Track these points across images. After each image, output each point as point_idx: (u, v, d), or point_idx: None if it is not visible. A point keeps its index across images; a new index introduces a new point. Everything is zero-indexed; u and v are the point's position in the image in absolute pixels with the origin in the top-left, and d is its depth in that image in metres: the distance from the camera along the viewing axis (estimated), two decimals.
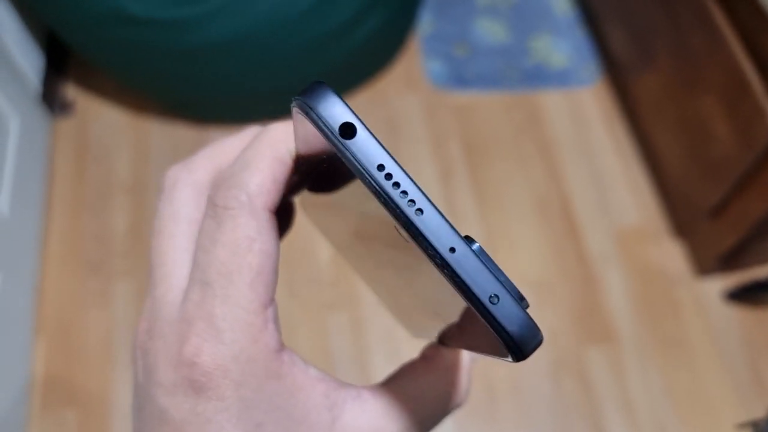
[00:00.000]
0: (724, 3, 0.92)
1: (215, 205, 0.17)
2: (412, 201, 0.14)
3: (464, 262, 0.14)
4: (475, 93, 1.31)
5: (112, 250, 1.14)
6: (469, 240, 0.15)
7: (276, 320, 0.18)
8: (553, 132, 1.26)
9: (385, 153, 0.14)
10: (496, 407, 1.01)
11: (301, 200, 0.23)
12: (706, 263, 1.09)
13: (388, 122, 1.27)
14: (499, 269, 0.15)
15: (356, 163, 0.14)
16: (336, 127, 0.14)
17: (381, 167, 0.14)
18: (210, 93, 1.19)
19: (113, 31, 1.02)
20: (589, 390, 1.02)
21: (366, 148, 0.14)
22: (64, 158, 1.24)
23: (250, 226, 0.17)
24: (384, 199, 0.14)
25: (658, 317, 1.08)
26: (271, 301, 0.17)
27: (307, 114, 0.15)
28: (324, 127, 0.15)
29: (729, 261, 1.05)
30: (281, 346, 0.18)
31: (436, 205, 0.14)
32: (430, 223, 0.14)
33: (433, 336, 0.21)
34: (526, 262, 1.13)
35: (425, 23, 1.39)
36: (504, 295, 0.14)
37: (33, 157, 1.17)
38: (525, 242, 1.14)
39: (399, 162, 0.15)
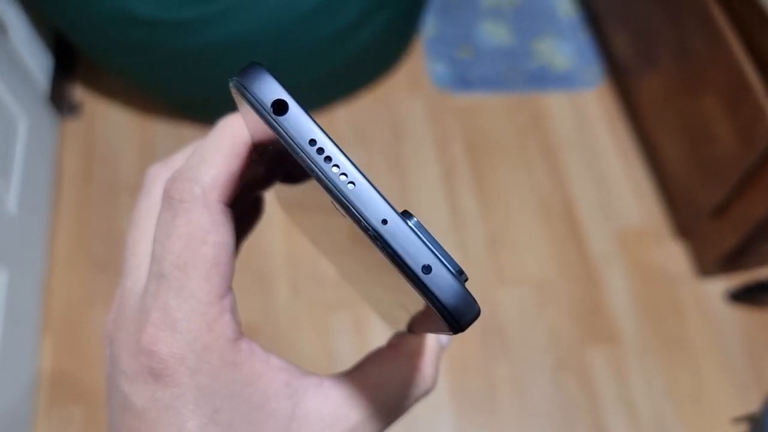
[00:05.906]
0: (725, 4, 0.93)
1: (171, 197, 0.17)
2: (344, 174, 0.14)
3: (396, 232, 0.14)
4: (478, 95, 1.32)
5: (119, 248, 1.15)
6: (406, 215, 0.15)
7: (234, 310, 0.18)
8: (556, 134, 1.27)
9: (316, 128, 0.14)
10: (498, 406, 1.01)
11: (276, 193, 0.23)
12: (708, 264, 1.09)
13: (392, 124, 1.28)
14: (436, 242, 0.15)
15: (288, 139, 0.14)
16: (268, 103, 0.15)
17: (312, 142, 0.14)
18: (216, 94, 1.19)
19: (119, 32, 1.03)
20: (591, 390, 1.02)
21: (298, 123, 0.14)
22: (71, 158, 1.25)
23: (204, 219, 0.17)
24: (316, 173, 0.14)
25: (661, 318, 1.09)
26: (228, 290, 0.18)
27: (242, 93, 0.15)
28: (257, 104, 0.15)
29: (731, 261, 1.06)
30: (239, 335, 0.18)
31: (370, 178, 0.14)
32: (361, 195, 0.14)
33: (402, 325, 0.21)
34: (529, 262, 1.13)
35: (429, 26, 1.40)
36: (437, 265, 0.14)
37: (41, 157, 1.19)
38: (528, 243, 1.15)
39: (332, 137, 0.15)
